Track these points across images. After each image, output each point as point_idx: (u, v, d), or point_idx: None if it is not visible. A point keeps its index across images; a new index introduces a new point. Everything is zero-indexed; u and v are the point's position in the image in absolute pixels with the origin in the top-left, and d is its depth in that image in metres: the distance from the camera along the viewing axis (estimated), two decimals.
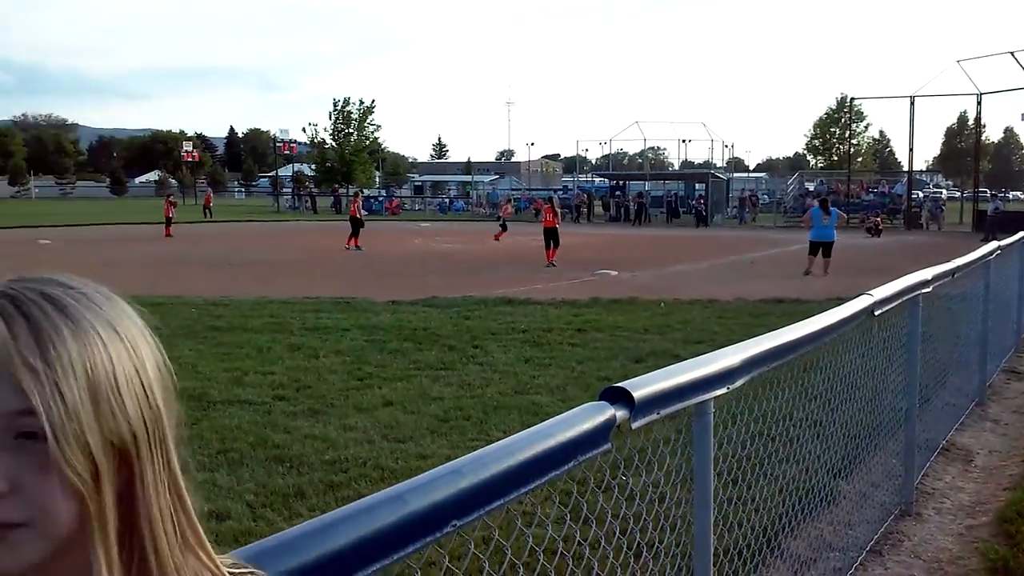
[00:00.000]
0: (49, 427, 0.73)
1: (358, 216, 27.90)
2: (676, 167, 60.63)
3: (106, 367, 0.77)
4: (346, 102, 67.51)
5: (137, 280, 15.39)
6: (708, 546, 2.57)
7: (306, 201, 64.57)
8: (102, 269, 18.50)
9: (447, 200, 68.82)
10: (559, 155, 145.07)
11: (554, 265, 21.15)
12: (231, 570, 0.94)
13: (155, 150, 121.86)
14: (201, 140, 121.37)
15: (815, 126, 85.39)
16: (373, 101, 68.59)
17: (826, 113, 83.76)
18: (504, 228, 31.52)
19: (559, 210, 23.70)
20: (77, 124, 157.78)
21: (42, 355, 0.74)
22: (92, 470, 0.76)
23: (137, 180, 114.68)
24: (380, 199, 65.19)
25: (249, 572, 0.97)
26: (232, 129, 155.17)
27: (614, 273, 19.55)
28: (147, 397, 0.80)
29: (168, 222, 33.18)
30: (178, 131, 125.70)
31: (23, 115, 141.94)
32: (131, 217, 45.44)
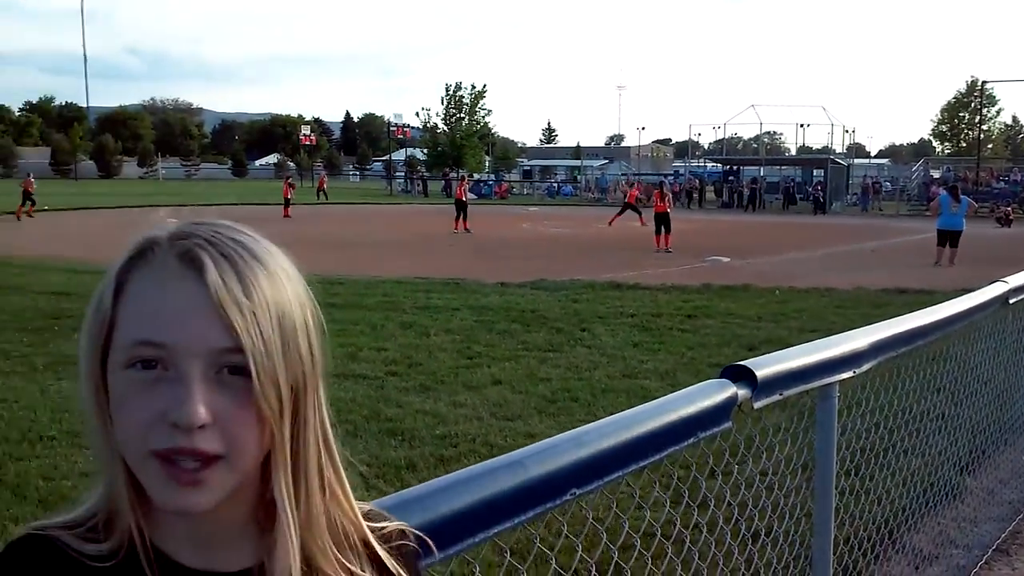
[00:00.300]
0: (253, 363, 0.78)
1: (464, 199, 28.20)
2: (793, 152, 58.72)
3: (290, 310, 0.82)
4: (458, 87, 68.26)
5: None
6: (828, 533, 2.50)
7: (418, 185, 65.59)
8: None
9: (555, 185, 68.74)
10: (670, 140, 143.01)
11: (668, 251, 20.86)
12: (370, 523, 0.96)
13: (274, 134, 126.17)
14: (318, 124, 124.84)
15: (942, 111, 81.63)
16: (484, 86, 69.19)
17: (955, 97, 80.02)
18: (638, 213, 30.58)
19: (670, 195, 23.38)
20: (202, 108, 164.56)
21: (247, 297, 0.78)
22: (279, 407, 0.81)
23: (257, 163, 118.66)
24: (489, 183, 65.62)
25: (384, 522, 0.99)
26: (348, 114, 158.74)
27: (726, 260, 19.16)
28: (311, 342, 0.85)
29: (287, 203, 34.36)
30: (296, 115, 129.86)
31: (152, 99, 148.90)
32: (251, 198, 47.13)
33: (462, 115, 68.18)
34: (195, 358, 0.77)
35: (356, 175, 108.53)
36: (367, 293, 12.56)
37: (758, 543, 2.42)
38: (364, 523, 0.95)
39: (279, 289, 0.82)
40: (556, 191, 65.17)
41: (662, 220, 21.78)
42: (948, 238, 18.77)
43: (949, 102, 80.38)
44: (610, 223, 30.12)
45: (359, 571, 0.92)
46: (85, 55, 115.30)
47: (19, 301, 11.53)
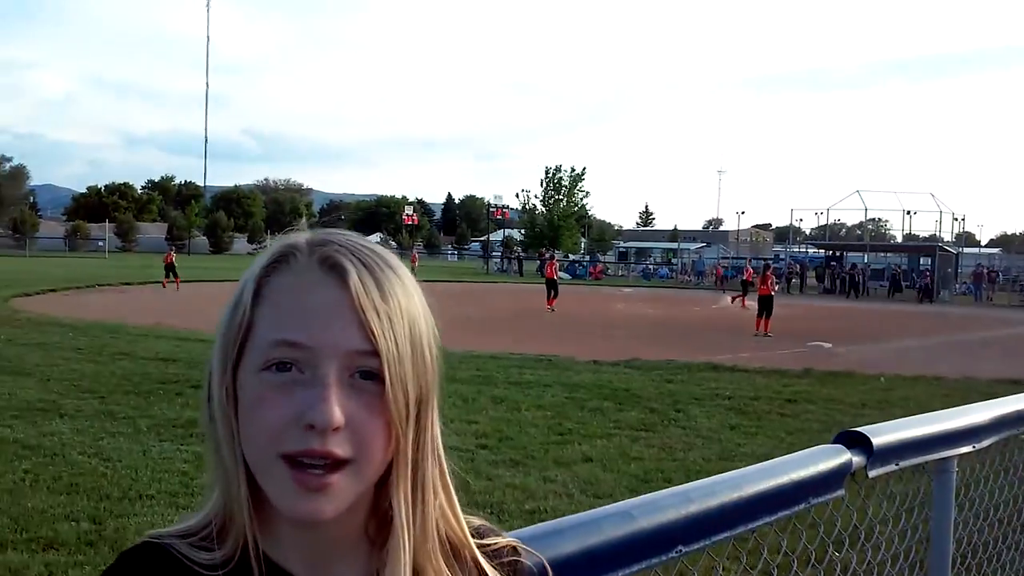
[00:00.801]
0: (387, 368, 0.79)
1: (555, 278, 28.34)
2: (899, 239, 57.16)
3: (419, 321, 0.84)
4: (558, 169, 69.32)
5: None
6: None
7: (514, 264, 66.27)
8: None
9: (651, 267, 68.48)
10: (770, 225, 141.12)
11: (768, 335, 20.38)
12: (480, 539, 0.94)
13: (379, 213, 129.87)
14: (420, 205, 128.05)
15: None
16: (584, 168, 70.17)
17: None
18: (743, 293, 30.80)
19: (773, 277, 23.00)
20: (312, 188, 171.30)
21: (384, 302, 0.80)
22: (406, 414, 0.81)
23: None
24: (584, 264, 65.83)
25: (495, 538, 0.97)
26: (450, 195, 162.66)
27: (828, 345, 18.58)
28: (433, 356, 0.85)
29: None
30: (400, 196, 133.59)
31: (265, 179, 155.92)
32: None
33: (560, 196, 69.04)
34: (332, 360, 0.78)
35: (454, 254, 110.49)
36: (460, 367, 12.62)
37: None
38: (473, 540, 0.93)
39: (410, 298, 0.84)
40: (652, 273, 64.88)
41: (765, 303, 21.38)
42: None
43: None
44: (734, 300, 30.06)
45: None
46: (206, 137, 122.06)
47: (128, 366, 12.00)
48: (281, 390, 0.78)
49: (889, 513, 2.30)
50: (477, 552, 0.92)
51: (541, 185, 69.79)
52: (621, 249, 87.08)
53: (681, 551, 1.51)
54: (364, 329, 0.79)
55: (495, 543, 0.96)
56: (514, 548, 0.98)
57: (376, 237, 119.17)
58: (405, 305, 0.83)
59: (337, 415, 0.77)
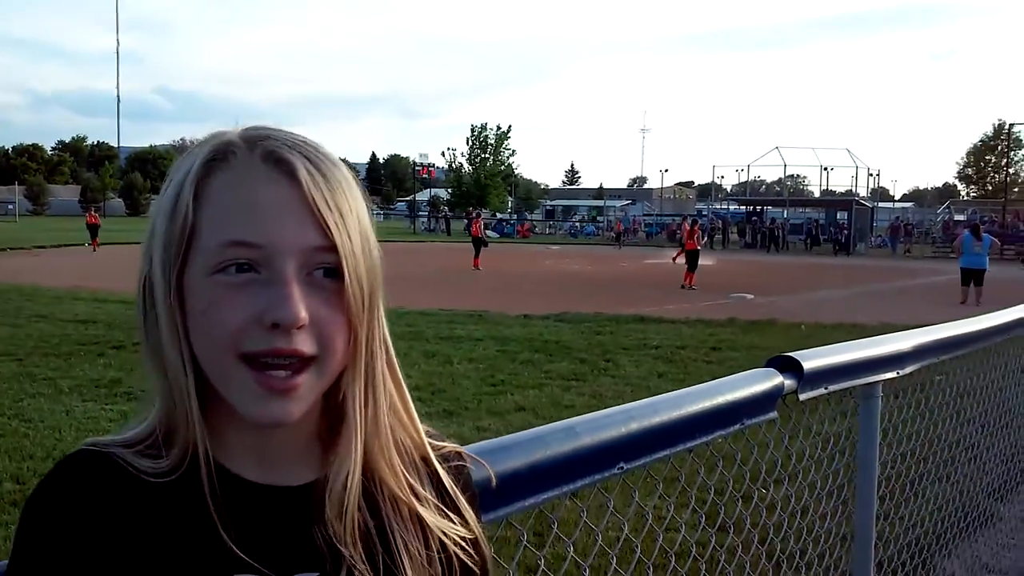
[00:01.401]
0: (345, 263, 0.78)
1: (481, 236, 28.33)
2: (817, 195, 58.65)
3: (364, 215, 0.83)
4: (483, 128, 69.00)
5: None
6: (869, 542, 2.44)
7: (441, 223, 66.00)
8: None
9: (577, 224, 68.96)
10: (693, 182, 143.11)
11: (693, 288, 20.75)
12: (429, 439, 0.94)
13: None
14: (344, 164, 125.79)
15: (968, 154, 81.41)
16: (509, 127, 69.93)
17: (981, 140, 79.74)
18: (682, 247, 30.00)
19: (699, 233, 23.34)
20: None
21: (335, 200, 0.79)
22: (363, 307, 0.81)
23: None
24: (512, 222, 65.91)
25: (442, 443, 0.98)
26: (374, 154, 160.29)
27: (750, 296, 19.07)
28: (376, 252, 0.85)
29: None
30: None
31: (181, 139, 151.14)
32: None
33: (487, 155, 68.79)
34: (290, 257, 0.77)
35: (380, 214, 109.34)
36: (391, 323, 12.43)
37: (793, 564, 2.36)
38: (427, 441, 0.93)
39: (355, 193, 0.83)
40: (578, 231, 65.35)
41: (691, 257, 21.72)
42: (972, 277, 18.67)
43: (975, 145, 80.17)
44: (675, 259, 29.16)
45: (419, 488, 0.90)
46: (119, 96, 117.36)
47: (46, 328, 11.64)
48: (239, 291, 0.76)
49: (819, 438, 2.38)
50: (430, 453, 0.93)
51: (467, 144, 69.44)
52: (548, 207, 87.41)
53: (623, 467, 1.54)
54: (320, 225, 0.78)
55: (443, 447, 0.97)
56: (459, 453, 0.99)
57: None
58: (351, 198, 0.82)
59: (302, 311, 0.76)
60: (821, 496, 2.49)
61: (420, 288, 19.47)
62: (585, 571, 1.59)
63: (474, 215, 32.58)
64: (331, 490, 0.84)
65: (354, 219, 0.81)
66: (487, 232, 32.61)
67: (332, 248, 0.78)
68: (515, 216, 73.44)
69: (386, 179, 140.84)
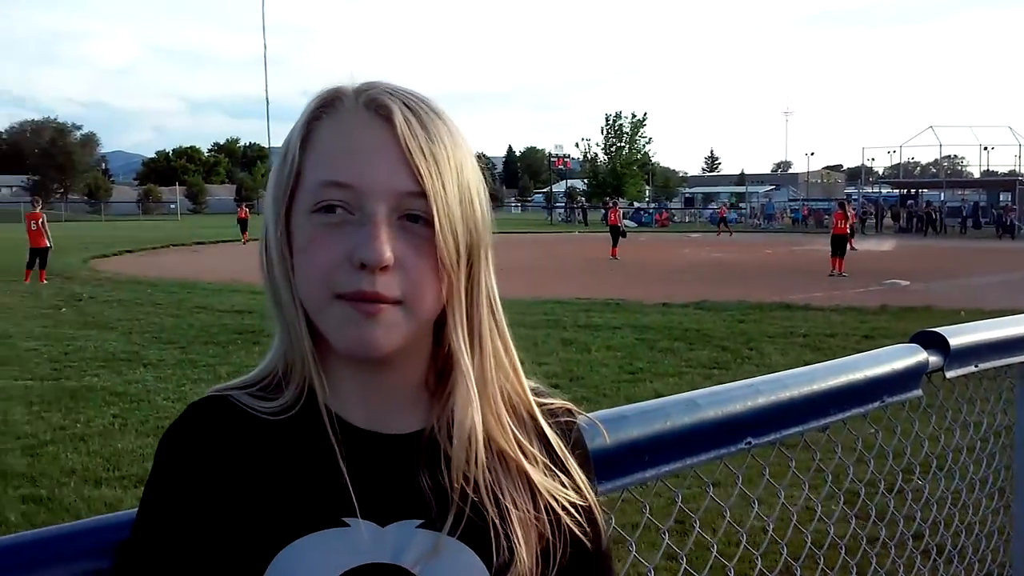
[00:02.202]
0: (435, 208, 0.79)
1: (619, 225, 28.06)
2: (976, 175, 55.10)
3: (466, 167, 0.83)
4: (618, 116, 68.48)
5: None
6: None
7: (578, 214, 65.94)
8: None
9: (718, 211, 67.44)
10: (841, 166, 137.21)
11: (843, 275, 19.82)
12: (537, 398, 0.93)
13: None
14: (482, 158, 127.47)
15: None
16: (645, 114, 69.17)
17: None
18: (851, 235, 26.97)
19: (851, 215, 22.25)
20: None
21: (431, 148, 0.80)
22: (456, 258, 0.81)
23: None
24: (649, 211, 65.12)
25: (550, 399, 0.96)
26: (510, 148, 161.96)
27: (905, 283, 18.10)
28: (483, 207, 0.85)
29: None
30: None
31: None
32: None
33: (622, 144, 68.22)
34: (380, 200, 0.78)
35: (518, 207, 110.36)
36: (528, 312, 12.66)
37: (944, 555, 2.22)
38: (532, 397, 0.92)
39: (457, 144, 0.83)
40: (720, 219, 63.92)
41: (839, 243, 20.77)
42: None
43: None
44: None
45: (527, 443, 0.89)
46: (267, 99, 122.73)
47: (206, 318, 12.35)
48: (331, 231, 0.79)
49: (970, 418, 2.23)
50: (535, 407, 0.92)
51: (602, 133, 69.08)
52: (687, 195, 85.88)
53: (751, 443, 1.48)
54: (411, 169, 0.79)
55: (551, 403, 0.96)
56: (569, 409, 0.97)
57: None
58: (452, 149, 0.82)
59: (387, 252, 0.77)
60: (974, 482, 2.34)
61: (557, 278, 19.57)
62: (713, 549, 1.55)
63: (611, 204, 32.36)
64: (438, 437, 0.85)
65: (451, 169, 0.81)
66: (625, 221, 32.28)
67: (422, 194, 0.79)
68: (653, 205, 72.53)
69: (522, 172, 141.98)
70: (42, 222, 18.21)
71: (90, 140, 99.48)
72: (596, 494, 0.94)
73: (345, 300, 0.78)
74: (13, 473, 5.47)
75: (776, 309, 13.29)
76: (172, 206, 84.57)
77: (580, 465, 0.93)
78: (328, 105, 0.83)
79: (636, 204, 68.17)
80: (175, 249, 31.37)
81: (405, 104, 0.81)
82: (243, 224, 35.46)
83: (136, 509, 0.84)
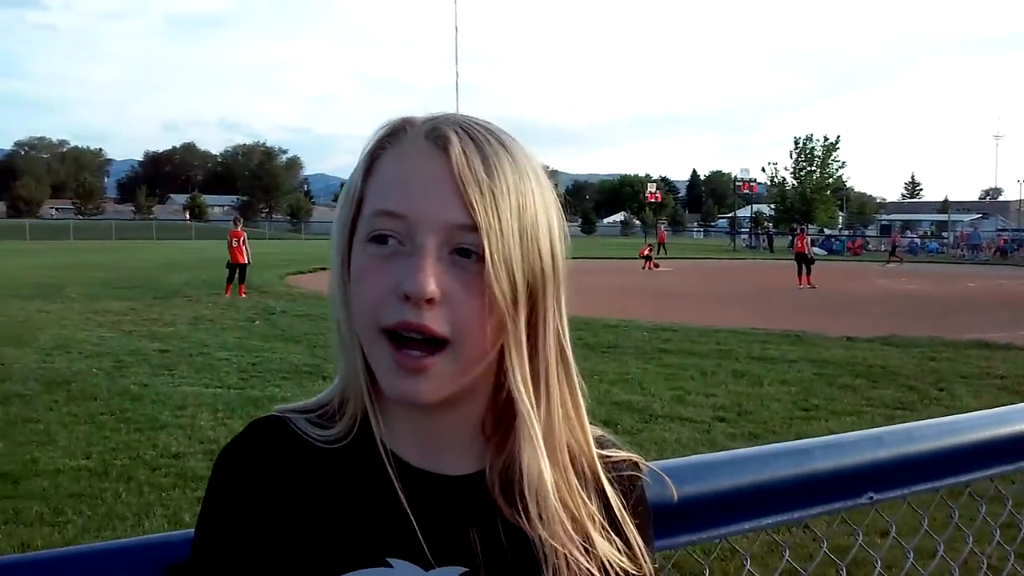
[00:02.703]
0: (487, 242, 0.76)
1: (807, 253, 26.85)
2: None
3: (532, 205, 0.80)
4: (808, 139, 65.95)
5: (597, 304, 16.44)
6: None
7: (763, 240, 63.91)
8: (571, 294, 20.09)
9: (918, 241, 63.43)
10: None
11: None
12: (599, 449, 0.90)
13: (623, 193, 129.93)
14: (665, 183, 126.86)
15: None
16: (838, 137, 66.24)
17: None
18: None
19: None
20: (557, 170, 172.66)
21: (489, 180, 0.77)
22: (512, 296, 0.78)
23: (605, 220, 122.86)
24: (841, 239, 62.18)
25: (615, 450, 0.92)
26: (694, 171, 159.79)
27: None
28: (553, 248, 0.82)
29: (648, 258, 35.77)
30: (644, 175, 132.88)
31: None
32: (596, 253, 48.85)
33: (813, 168, 65.63)
34: (430, 232, 0.77)
35: (700, 232, 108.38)
36: (700, 341, 12.37)
37: None
38: (596, 450, 0.88)
39: (523, 179, 0.80)
40: (919, 247, 60.09)
41: None
42: None
43: None
44: None
45: (585, 498, 0.85)
46: None
47: None
48: (382, 262, 0.78)
49: None
50: (598, 463, 0.88)
51: (791, 157, 66.67)
52: (883, 222, 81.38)
53: (872, 498, 1.38)
54: (464, 202, 0.76)
55: (615, 455, 0.91)
56: (635, 463, 0.92)
57: (620, 216, 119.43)
58: (514, 183, 0.78)
59: (431, 284, 0.75)
60: None
61: (734, 306, 19.02)
62: None
63: (798, 231, 31.14)
64: (492, 485, 0.83)
65: (510, 204, 0.77)
66: (813, 249, 30.91)
67: (474, 228, 0.76)
68: (846, 232, 69.19)
69: (706, 196, 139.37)
70: (243, 240, 19.50)
71: (294, 163, 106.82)
72: (653, 560, 0.90)
73: (392, 338, 0.77)
74: (193, 476, 5.87)
75: (973, 347, 12.31)
76: None
77: (640, 525, 0.89)
78: (393, 135, 0.83)
79: (827, 231, 65.31)
80: None
81: (467, 134, 0.79)
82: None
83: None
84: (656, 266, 35.19)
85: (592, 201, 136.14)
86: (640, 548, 0.87)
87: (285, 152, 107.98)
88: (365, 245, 0.79)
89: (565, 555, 0.82)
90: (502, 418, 0.85)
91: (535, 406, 0.81)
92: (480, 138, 0.79)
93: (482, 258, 0.76)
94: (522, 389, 0.80)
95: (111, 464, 6.15)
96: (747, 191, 72.80)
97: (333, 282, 0.84)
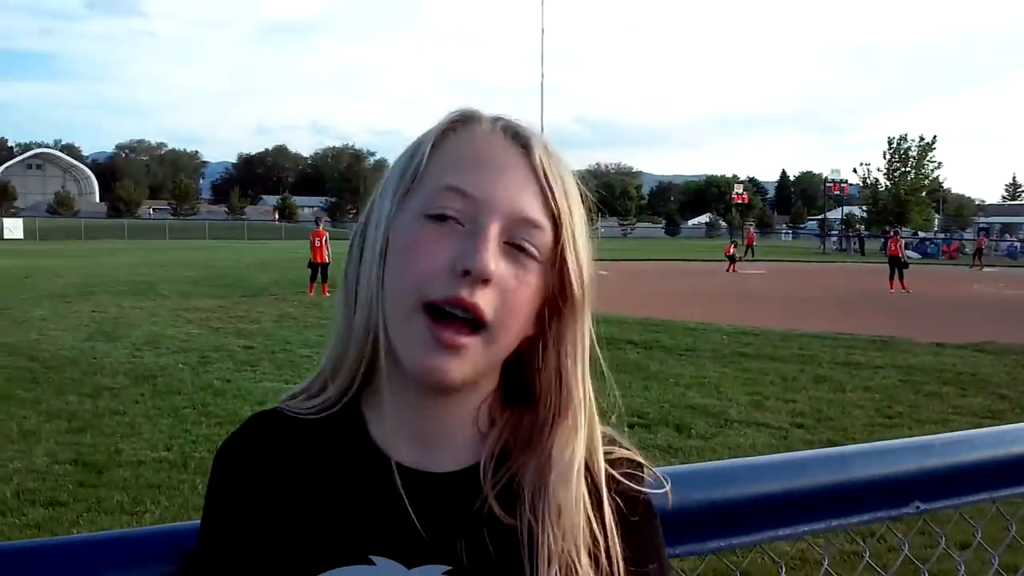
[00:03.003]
0: (566, 244, 0.80)
1: (900, 256, 25.95)
2: None
3: (583, 219, 0.84)
4: (903, 139, 63.90)
5: (678, 306, 16.29)
6: None
7: (854, 243, 62.15)
8: (651, 296, 19.98)
9: (1018, 244, 60.74)
10: None
11: None
12: (608, 452, 0.87)
13: (708, 194, 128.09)
14: (752, 184, 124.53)
15: None
16: (934, 137, 64.05)
17: None
18: None
19: None
20: (641, 171, 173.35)
21: (564, 185, 0.82)
22: (557, 296, 0.81)
23: (690, 222, 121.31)
24: (936, 242, 60.03)
25: (614, 447, 0.88)
26: (784, 172, 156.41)
27: None
28: (587, 262, 0.84)
29: (732, 259, 35.36)
30: (731, 175, 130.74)
31: (596, 164, 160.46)
32: (680, 255, 48.29)
33: (907, 169, 63.54)
34: (497, 216, 0.77)
35: (788, 234, 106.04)
36: (781, 345, 12.09)
37: None
38: (602, 456, 0.85)
39: (578, 197, 0.84)
40: (1018, 252, 57.55)
41: None
42: None
43: None
44: None
45: (585, 498, 0.82)
46: (542, 127, 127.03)
47: None
48: (440, 236, 0.77)
49: None
50: (601, 473, 0.84)
51: (884, 157, 64.65)
52: (982, 225, 78.21)
53: (919, 508, 1.31)
54: (537, 197, 0.79)
55: (616, 453, 0.88)
56: (638, 463, 0.88)
57: (706, 217, 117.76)
58: (574, 196, 0.83)
59: (493, 264, 0.75)
60: None
61: (821, 310, 18.54)
62: None
63: (891, 233, 30.18)
64: (484, 481, 0.81)
65: (572, 210, 0.81)
66: (907, 252, 29.89)
67: (541, 225, 0.79)
68: (941, 235, 66.81)
69: (796, 197, 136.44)
70: (325, 239, 19.95)
71: (381, 165, 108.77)
72: (657, 560, 0.85)
73: (433, 313, 0.76)
74: None
75: None
76: None
77: (639, 524, 0.84)
78: (465, 121, 0.83)
79: (922, 234, 63.17)
80: None
81: (543, 142, 0.83)
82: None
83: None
84: (736, 269, 34.50)
85: (676, 203, 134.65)
86: (638, 547, 0.84)
87: (373, 155, 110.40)
88: (420, 219, 0.79)
89: (557, 552, 0.79)
90: (495, 418, 0.85)
91: (558, 402, 0.82)
92: (551, 149, 0.83)
93: (533, 257, 0.79)
94: (579, 380, 0.83)
95: (190, 456, 6.34)
96: (838, 192, 71.09)
97: (368, 247, 0.82)
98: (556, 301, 0.82)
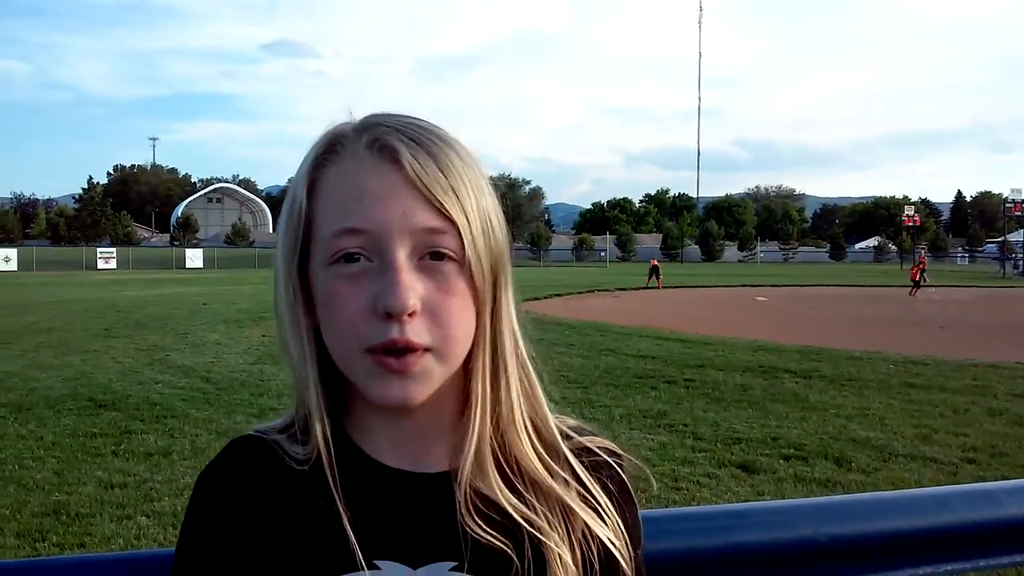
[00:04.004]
0: (466, 242, 0.78)
1: None
2: None
3: (486, 197, 0.81)
4: None
5: (842, 334, 15.58)
6: None
7: None
8: (811, 323, 19.18)
9: None
10: None
11: None
12: (578, 437, 0.89)
13: (876, 216, 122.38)
14: (925, 205, 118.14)
15: None
16: None
17: None
18: None
19: None
20: (804, 194, 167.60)
21: (448, 180, 0.78)
22: (485, 287, 0.80)
23: (856, 246, 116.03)
24: None
25: (589, 436, 0.90)
26: (959, 192, 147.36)
27: None
28: (502, 236, 0.83)
29: (917, 284, 34.03)
30: (901, 197, 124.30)
31: (756, 187, 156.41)
32: (845, 280, 46.22)
33: None
34: (399, 242, 0.76)
35: (965, 257, 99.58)
36: (953, 376, 11.30)
37: None
38: (556, 428, 0.87)
39: (473, 171, 0.81)
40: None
41: None
42: None
43: None
44: None
45: (562, 472, 0.85)
46: (699, 150, 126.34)
47: (612, 361, 12.85)
48: (353, 281, 0.77)
49: None
50: (559, 440, 0.86)
51: None
52: None
53: None
54: (431, 206, 0.76)
55: (591, 442, 0.89)
56: (611, 450, 0.90)
57: (874, 241, 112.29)
58: (467, 178, 0.79)
59: (411, 298, 0.75)
60: None
61: (998, 338, 17.26)
62: None
63: None
64: (462, 474, 0.82)
65: (471, 199, 0.79)
66: None
67: (443, 230, 0.77)
68: None
69: (972, 219, 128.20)
70: None
71: (536, 193, 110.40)
72: (638, 546, 0.88)
73: (374, 355, 0.76)
74: None
75: None
76: (602, 254, 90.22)
77: (620, 508, 0.87)
78: (330, 151, 0.81)
79: None
80: (599, 294, 33.12)
81: (411, 139, 0.79)
82: (654, 270, 39.01)
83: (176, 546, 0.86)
84: (917, 293, 32.74)
85: (841, 226, 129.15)
86: (621, 529, 0.86)
87: (528, 183, 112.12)
88: (328, 268, 0.78)
89: (551, 528, 0.82)
90: (468, 407, 0.85)
91: (491, 390, 0.82)
92: (423, 139, 0.79)
93: (452, 259, 0.77)
94: (479, 376, 0.82)
95: None
96: (1020, 213, 66.14)
97: (280, 309, 0.83)
98: (484, 285, 0.81)
